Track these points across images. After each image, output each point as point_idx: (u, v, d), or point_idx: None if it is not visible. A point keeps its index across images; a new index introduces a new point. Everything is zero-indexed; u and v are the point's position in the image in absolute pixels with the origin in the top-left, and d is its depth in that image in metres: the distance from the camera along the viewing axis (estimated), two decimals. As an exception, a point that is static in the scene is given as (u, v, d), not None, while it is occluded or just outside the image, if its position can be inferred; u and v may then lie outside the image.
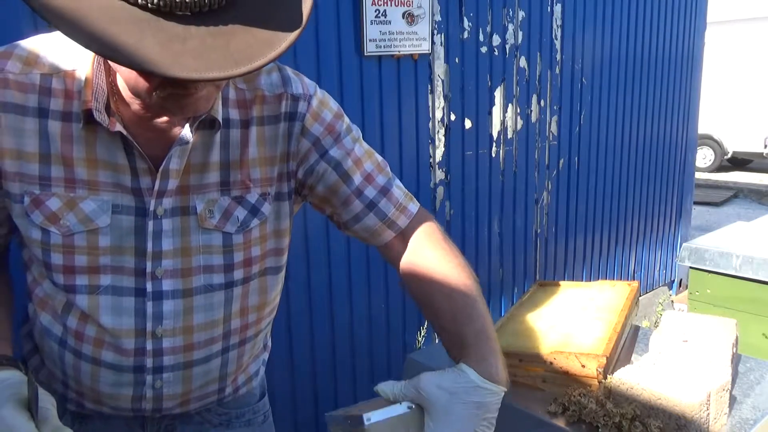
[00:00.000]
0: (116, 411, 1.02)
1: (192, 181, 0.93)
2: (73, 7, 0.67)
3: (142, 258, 0.93)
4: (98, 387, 0.98)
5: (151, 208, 0.91)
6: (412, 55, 2.67)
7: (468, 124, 2.99)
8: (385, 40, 2.54)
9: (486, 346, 0.91)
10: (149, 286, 0.94)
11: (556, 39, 3.38)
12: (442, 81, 2.83)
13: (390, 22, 2.54)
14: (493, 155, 3.15)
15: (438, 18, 2.75)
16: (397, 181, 1.08)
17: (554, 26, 3.35)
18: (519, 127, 3.26)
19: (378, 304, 2.77)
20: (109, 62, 0.83)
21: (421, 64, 2.72)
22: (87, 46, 0.67)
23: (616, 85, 3.86)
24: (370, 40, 2.49)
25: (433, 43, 2.74)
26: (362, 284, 2.68)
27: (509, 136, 3.23)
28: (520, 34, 3.16)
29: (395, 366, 2.86)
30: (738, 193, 9.78)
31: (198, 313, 0.97)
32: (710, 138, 11.09)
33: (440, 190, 2.93)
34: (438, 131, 2.86)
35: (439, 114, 2.85)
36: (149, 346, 0.96)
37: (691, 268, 2.62)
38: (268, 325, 1.12)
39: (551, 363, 1.22)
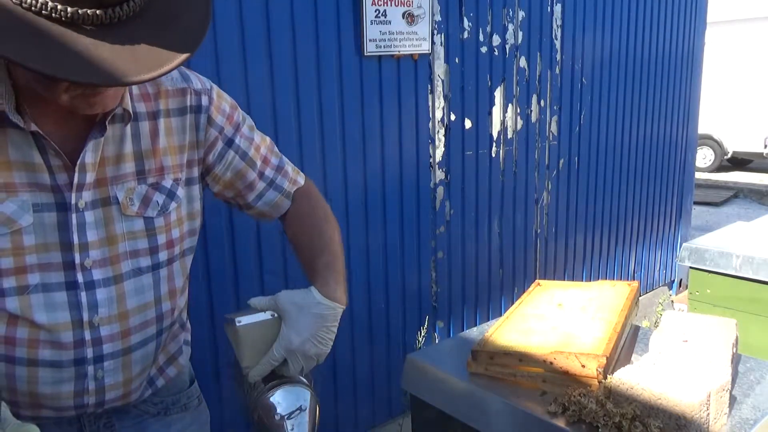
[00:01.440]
0: (57, 412, 1.02)
1: (109, 173, 0.98)
2: None
3: (69, 251, 0.95)
4: (36, 389, 0.98)
5: (72, 201, 0.94)
6: (412, 55, 2.67)
7: (468, 124, 2.99)
8: (385, 40, 2.54)
9: (331, 274, 1.12)
10: (80, 278, 0.96)
11: (556, 39, 3.38)
12: (442, 81, 2.83)
13: (390, 22, 2.54)
14: (493, 155, 3.16)
15: (438, 18, 2.75)
16: (285, 158, 1.25)
17: (554, 26, 3.35)
18: (519, 127, 3.26)
19: (378, 304, 2.77)
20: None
21: (421, 64, 2.72)
22: (3, 54, 0.72)
23: (616, 85, 3.86)
24: (370, 40, 2.49)
25: (433, 43, 2.74)
26: (362, 284, 2.68)
27: (509, 136, 3.23)
28: (520, 34, 3.16)
29: (395, 366, 2.86)
30: (738, 193, 9.78)
31: (130, 298, 1.02)
32: (710, 138, 11.09)
33: (440, 190, 2.93)
34: (438, 131, 2.86)
35: (439, 114, 2.85)
36: (87, 336, 0.98)
37: (691, 268, 2.61)
38: (185, 306, 1.20)
39: (551, 363, 1.22)
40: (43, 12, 0.74)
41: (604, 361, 1.18)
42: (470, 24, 2.90)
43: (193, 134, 1.08)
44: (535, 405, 1.18)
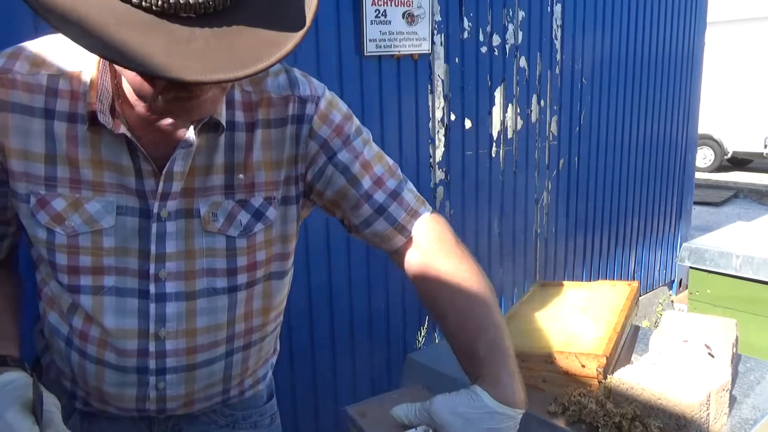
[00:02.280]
0: (121, 411, 1.01)
1: (196, 183, 0.93)
2: (76, 10, 0.66)
3: (146, 260, 0.92)
4: (103, 387, 0.98)
5: (155, 210, 0.91)
6: (412, 55, 2.67)
7: (468, 124, 2.99)
8: (385, 40, 2.54)
9: (500, 362, 0.88)
10: (152, 288, 0.93)
11: (556, 39, 3.38)
12: (442, 81, 2.83)
13: (390, 22, 2.54)
14: (493, 155, 3.15)
15: (438, 18, 2.75)
16: (410, 185, 1.06)
17: (554, 26, 3.35)
18: (519, 127, 3.26)
19: (378, 304, 2.77)
20: (114, 65, 0.82)
21: (421, 64, 2.72)
22: (90, 49, 0.66)
23: (616, 85, 3.86)
24: (370, 40, 2.49)
25: (433, 43, 2.74)
26: (362, 284, 2.68)
27: (509, 136, 3.23)
28: (520, 34, 3.16)
29: (395, 366, 2.85)
30: (738, 193, 9.78)
31: (201, 316, 0.96)
32: (710, 138, 11.09)
33: (440, 190, 2.93)
34: (438, 131, 2.86)
35: (439, 114, 2.85)
36: (152, 347, 0.95)
37: (691, 268, 2.61)
38: (276, 329, 1.11)
39: (551, 363, 1.22)
40: (133, 1, 0.67)
41: (604, 361, 1.18)
42: (470, 24, 2.90)
43: (293, 148, 0.97)
44: (535, 405, 1.18)
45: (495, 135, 3.14)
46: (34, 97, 0.86)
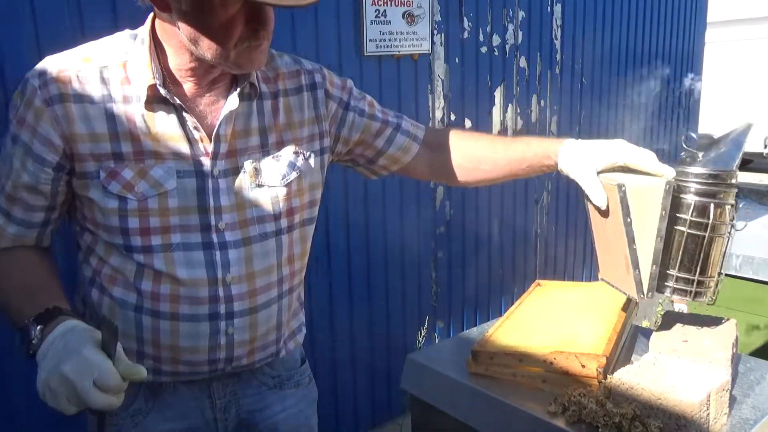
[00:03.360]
0: (192, 367, 1.12)
1: (238, 145, 1.09)
2: None
3: (206, 214, 1.07)
4: (178, 342, 1.09)
5: (209, 169, 1.06)
6: (412, 55, 2.67)
7: (468, 124, 2.99)
8: (385, 40, 2.54)
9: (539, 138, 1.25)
10: (215, 238, 1.08)
11: (556, 39, 3.38)
12: (442, 81, 2.83)
13: (390, 22, 2.54)
14: (493, 155, 3.15)
15: (438, 18, 2.75)
16: None
17: (554, 26, 3.35)
18: (519, 127, 3.26)
19: (378, 304, 2.77)
20: (164, 47, 1.03)
21: (421, 64, 2.73)
22: None
23: (616, 85, 3.86)
24: (370, 40, 2.49)
25: (433, 43, 2.74)
26: (362, 284, 2.68)
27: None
28: (520, 34, 3.16)
29: (395, 366, 2.85)
30: (738, 192, 9.77)
31: (257, 260, 1.11)
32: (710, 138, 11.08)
33: (440, 190, 2.93)
34: (438, 131, 2.86)
35: (439, 114, 2.85)
36: (221, 293, 1.08)
37: (691, 268, 2.61)
38: (302, 280, 1.28)
39: (551, 363, 1.22)
40: None
41: (604, 361, 1.18)
42: (470, 24, 2.90)
43: (312, 110, 1.18)
44: (535, 405, 1.18)
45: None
46: (90, 86, 1.01)
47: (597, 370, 1.18)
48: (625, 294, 1.23)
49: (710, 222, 1.15)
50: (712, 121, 10.68)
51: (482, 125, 3.05)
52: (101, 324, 0.87)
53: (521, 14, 3.14)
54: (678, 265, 1.18)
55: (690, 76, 4.53)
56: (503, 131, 3.18)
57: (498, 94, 3.11)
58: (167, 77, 1.04)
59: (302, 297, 1.31)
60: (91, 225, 1.08)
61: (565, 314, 1.45)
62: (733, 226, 1.18)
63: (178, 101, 1.03)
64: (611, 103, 3.85)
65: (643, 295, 1.17)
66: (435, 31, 2.74)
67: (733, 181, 1.17)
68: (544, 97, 3.38)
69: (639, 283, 1.17)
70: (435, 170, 1.34)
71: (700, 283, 1.18)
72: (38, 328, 0.91)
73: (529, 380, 1.26)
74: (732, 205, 1.17)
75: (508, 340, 1.35)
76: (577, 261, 3.86)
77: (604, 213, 1.20)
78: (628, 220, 1.14)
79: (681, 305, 2.94)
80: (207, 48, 0.99)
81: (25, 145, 1.02)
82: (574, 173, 1.19)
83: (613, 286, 1.28)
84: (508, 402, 1.21)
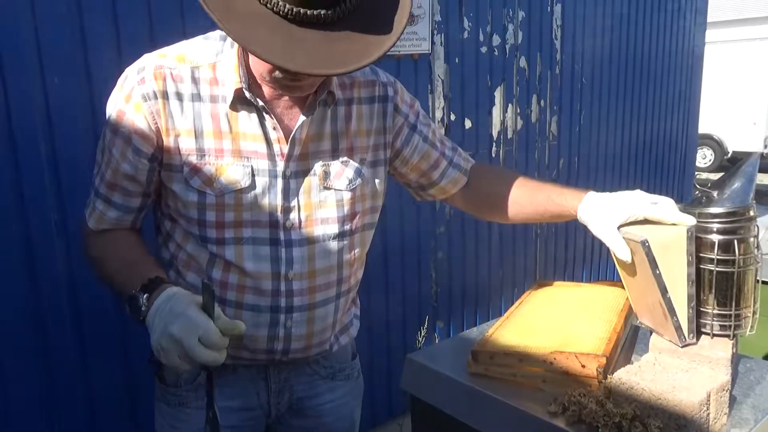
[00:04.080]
0: (252, 354, 1.19)
1: (311, 148, 1.14)
2: (229, 5, 0.91)
3: (275, 212, 1.13)
4: None
5: (282, 170, 1.12)
6: (412, 55, 2.67)
7: (468, 124, 2.99)
8: (385, 40, 2.54)
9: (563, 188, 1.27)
10: (282, 235, 1.14)
11: (556, 39, 3.38)
12: (442, 81, 2.83)
13: (390, 22, 2.53)
14: (493, 155, 3.16)
15: (438, 18, 2.75)
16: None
17: (554, 26, 3.36)
18: (519, 127, 3.26)
19: (378, 304, 2.77)
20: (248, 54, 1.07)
21: (421, 64, 2.73)
22: (236, 38, 0.90)
23: (616, 85, 3.86)
24: (370, 40, 2.49)
25: (433, 43, 2.74)
26: (362, 284, 2.67)
27: (509, 136, 3.23)
28: (520, 34, 3.16)
29: (395, 366, 2.86)
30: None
31: (319, 260, 1.17)
32: (710, 138, 11.09)
33: (440, 190, 2.93)
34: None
35: (439, 114, 2.85)
36: (283, 287, 1.15)
37: (691, 268, 2.61)
38: (359, 281, 1.34)
39: (551, 363, 1.22)
40: (268, 6, 0.91)
41: (604, 361, 1.18)
42: (470, 24, 2.90)
43: (380, 121, 1.23)
44: (535, 405, 1.18)
45: (495, 135, 3.14)
46: (183, 85, 1.08)
47: (597, 370, 1.18)
48: (667, 339, 1.26)
49: (737, 257, 1.18)
50: (712, 121, 10.69)
51: (482, 125, 3.05)
52: (203, 289, 0.95)
53: (521, 14, 3.14)
54: (714, 302, 1.22)
55: (690, 76, 4.53)
56: (503, 131, 3.18)
57: (498, 94, 3.11)
58: (251, 80, 1.09)
59: (357, 297, 1.38)
60: (174, 213, 1.15)
61: (565, 314, 1.45)
62: (759, 253, 1.21)
63: (260, 103, 1.08)
64: (611, 103, 3.85)
65: (685, 339, 1.22)
66: (435, 31, 2.74)
67: (752, 213, 1.20)
68: (544, 97, 3.38)
69: (678, 329, 1.21)
70: (469, 205, 1.41)
71: (737, 316, 1.22)
72: (144, 296, 0.99)
73: (529, 380, 1.26)
74: (755, 237, 1.19)
75: (508, 340, 1.35)
76: (577, 261, 3.86)
77: (632, 264, 1.23)
78: (657, 272, 1.17)
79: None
80: (253, 66, 1.06)
81: (125, 136, 1.08)
82: (595, 230, 1.19)
83: (654, 331, 1.31)
84: (508, 402, 1.21)
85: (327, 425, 1.34)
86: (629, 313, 1.42)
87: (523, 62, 3.21)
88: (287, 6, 0.90)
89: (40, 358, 1.85)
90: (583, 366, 1.19)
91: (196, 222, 1.13)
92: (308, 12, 0.90)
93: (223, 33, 1.07)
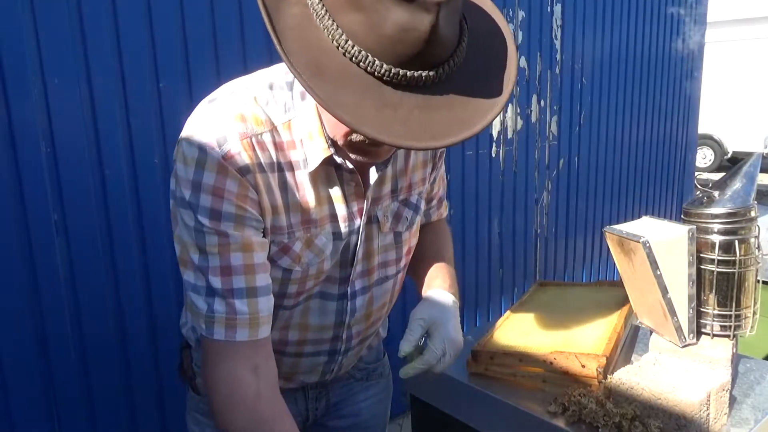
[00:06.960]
0: (303, 383, 1.20)
1: (374, 194, 1.06)
2: (319, 64, 0.75)
3: (346, 268, 1.07)
4: (298, 370, 1.16)
5: (358, 225, 1.05)
6: (412, 55, 2.66)
7: (468, 124, 2.99)
8: (385, 40, 2.53)
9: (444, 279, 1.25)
10: (348, 289, 1.09)
11: (556, 39, 3.38)
12: (442, 81, 2.83)
13: (390, 22, 2.53)
14: (493, 155, 3.16)
15: (438, 18, 2.74)
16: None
17: (554, 26, 3.35)
18: (519, 127, 3.26)
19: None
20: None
21: (421, 64, 2.72)
22: (325, 105, 0.74)
23: (616, 85, 3.86)
24: (370, 40, 2.48)
25: (433, 43, 2.73)
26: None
27: (509, 136, 3.23)
28: (520, 34, 3.16)
29: (395, 366, 2.85)
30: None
31: (375, 302, 1.15)
32: (710, 138, 11.09)
33: (440, 190, 2.93)
34: (438, 131, 2.86)
35: (439, 114, 2.85)
36: (343, 335, 1.13)
37: (691, 268, 2.61)
38: None
39: (551, 363, 1.22)
40: (360, 65, 0.75)
41: (604, 361, 1.18)
42: (470, 24, 2.89)
43: (427, 153, 1.17)
44: (535, 405, 1.19)
45: (495, 135, 3.14)
46: (266, 153, 0.92)
47: (597, 370, 1.18)
48: (667, 340, 1.26)
49: (737, 258, 1.18)
50: (712, 121, 10.68)
51: (482, 125, 3.05)
52: None
53: (521, 14, 3.14)
54: (714, 303, 1.22)
55: (690, 76, 4.53)
56: (503, 131, 3.18)
57: (498, 94, 3.11)
58: (331, 139, 0.94)
59: None
60: None
61: (565, 314, 1.45)
62: (760, 253, 1.22)
63: (350, 165, 0.96)
64: (611, 103, 3.85)
65: (685, 339, 1.23)
66: (435, 31, 2.74)
67: (753, 214, 1.20)
68: (544, 97, 3.38)
69: (679, 329, 1.22)
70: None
71: (737, 317, 1.23)
72: None
73: (529, 380, 1.26)
74: (755, 237, 1.20)
75: (508, 340, 1.35)
76: (577, 261, 3.86)
77: (632, 264, 1.24)
78: (658, 272, 1.18)
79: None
80: (327, 125, 0.93)
81: (233, 215, 0.90)
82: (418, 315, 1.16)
83: (654, 331, 1.31)
84: (508, 402, 1.21)
85: (362, 423, 1.35)
86: (629, 313, 1.42)
87: (523, 62, 3.21)
88: (384, 66, 0.74)
89: (40, 358, 1.85)
90: (583, 366, 1.19)
91: (276, 294, 1.01)
92: (407, 73, 0.75)
93: (287, 77, 0.96)
